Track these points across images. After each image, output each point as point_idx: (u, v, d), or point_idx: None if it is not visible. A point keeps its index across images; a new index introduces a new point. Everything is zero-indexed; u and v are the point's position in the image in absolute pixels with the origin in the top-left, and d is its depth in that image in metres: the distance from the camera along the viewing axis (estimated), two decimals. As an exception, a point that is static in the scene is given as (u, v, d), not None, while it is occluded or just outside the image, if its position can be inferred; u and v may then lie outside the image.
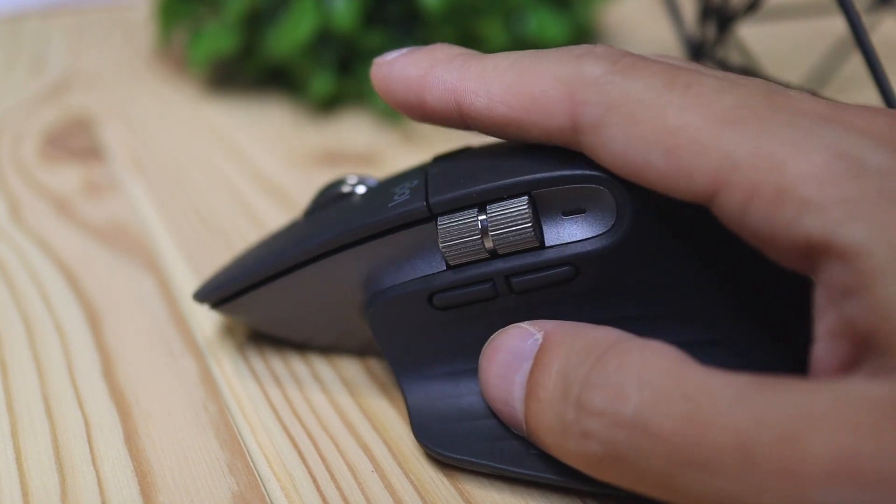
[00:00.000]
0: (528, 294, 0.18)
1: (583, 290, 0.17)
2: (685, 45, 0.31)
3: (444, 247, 0.18)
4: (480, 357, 0.18)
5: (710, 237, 0.17)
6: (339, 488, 0.18)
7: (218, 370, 0.22)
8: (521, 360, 0.17)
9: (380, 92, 0.19)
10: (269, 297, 0.20)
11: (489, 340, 0.18)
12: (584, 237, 0.17)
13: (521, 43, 0.35)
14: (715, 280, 0.17)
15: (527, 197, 0.17)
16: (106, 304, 0.24)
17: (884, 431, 0.12)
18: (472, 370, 0.19)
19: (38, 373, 0.21)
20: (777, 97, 0.15)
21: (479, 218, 0.17)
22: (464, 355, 0.19)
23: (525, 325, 0.18)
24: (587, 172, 0.17)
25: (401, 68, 0.18)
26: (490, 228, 0.17)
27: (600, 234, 0.17)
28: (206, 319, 0.23)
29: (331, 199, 0.21)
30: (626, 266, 0.17)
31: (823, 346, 0.14)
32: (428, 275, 0.18)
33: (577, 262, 0.17)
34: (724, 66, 0.29)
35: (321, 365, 0.22)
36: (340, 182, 0.21)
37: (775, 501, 0.13)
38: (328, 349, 0.22)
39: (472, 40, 0.34)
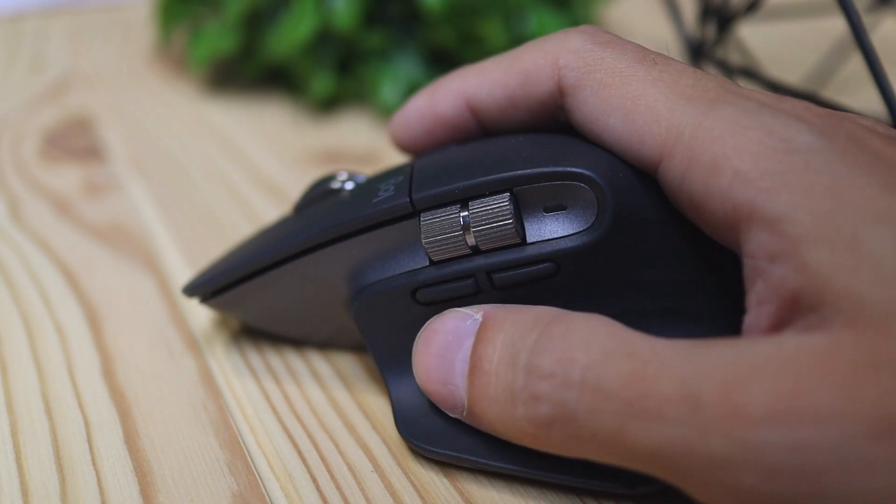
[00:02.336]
0: (510, 290, 0.18)
1: (564, 287, 0.18)
2: (685, 45, 0.31)
3: (426, 242, 0.18)
4: (415, 343, 0.18)
5: (691, 234, 0.17)
6: (339, 488, 0.18)
7: (218, 370, 0.22)
8: (462, 339, 0.17)
9: (398, 137, 0.21)
10: (258, 291, 0.21)
11: (424, 327, 0.18)
12: (565, 234, 0.17)
13: (520, 43, 0.35)
14: (698, 277, 0.18)
15: (508, 194, 0.17)
16: (106, 304, 0.24)
17: (822, 376, 0.13)
18: None
19: (38, 373, 0.21)
20: (728, 85, 0.17)
21: (462, 214, 0.17)
22: None
23: (460, 309, 0.18)
24: (568, 170, 0.17)
25: (410, 104, 0.21)
26: (472, 225, 0.17)
27: (581, 231, 0.17)
28: (206, 319, 0.23)
29: (320, 194, 0.21)
30: (607, 263, 0.17)
31: (754, 314, 0.15)
32: (411, 270, 0.19)
33: (557, 259, 0.17)
34: (724, 66, 0.29)
35: (320, 362, 0.22)
36: (330, 178, 0.21)
37: (721, 443, 0.13)
38: (325, 345, 0.22)
39: (472, 40, 0.34)
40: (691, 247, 0.17)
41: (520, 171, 0.17)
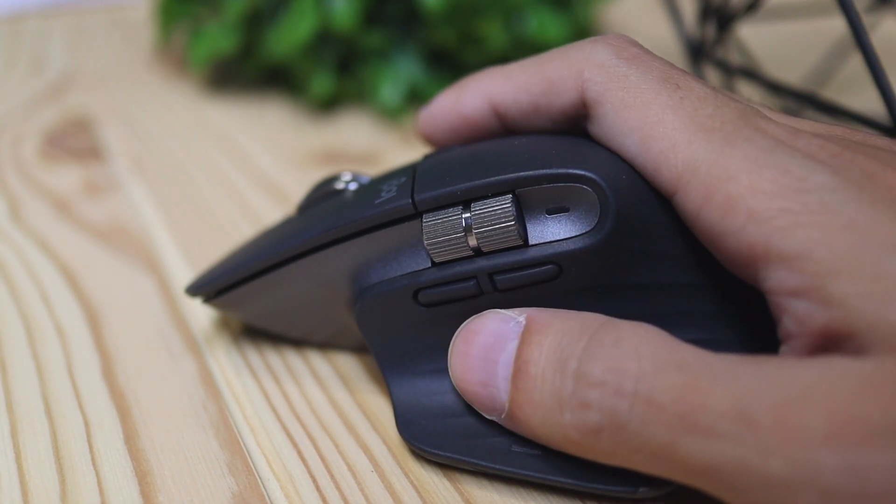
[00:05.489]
0: (512, 292, 0.18)
1: (567, 289, 0.17)
2: (685, 45, 0.31)
3: (428, 244, 0.18)
4: (453, 342, 0.18)
5: (695, 237, 0.17)
6: (339, 488, 0.18)
7: (218, 370, 0.22)
8: (505, 342, 0.17)
9: (424, 132, 0.21)
10: (260, 291, 0.21)
11: (462, 326, 0.18)
12: (568, 236, 0.17)
13: (521, 43, 0.35)
14: (701, 280, 0.17)
15: (511, 195, 0.17)
16: (106, 304, 0.24)
17: (873, 398, 0.13)
18: None
19: (38, 373, 0.21)
20: (749, 116, 0.16)
21: (464, 216, 0.17)
22: (447, 351, 0.19)
23: (501, 311, 0.17)
24: (571, 171, 0.17)
25: (437, 101, 0.21)
26: (474, 226, 0.17)
27: (583, 234, 0.17)
28: (206, 319, 0.23)
29: (323, 195, 0.21)
30: (610, 266, 0.17)
31: (788, 347, 0.15)
32: (413, 271, 0.18)
33: (560, 261, 0.17)
34: (724, 66, 0.29)
35: (320, 363, 0.22)
36: (334, 179, 0.21)
37: (781, 463, 0.13)
38: (326, 346, 0.22)
39: (472, 40, 0.34)
40: (696, 250, 0.17)
41: (522, 173, 0.17)
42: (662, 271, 0.17)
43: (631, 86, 0.17)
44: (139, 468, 0.19)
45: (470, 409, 0.19)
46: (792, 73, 0.36)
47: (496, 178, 0.17)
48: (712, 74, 0.33)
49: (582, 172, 0.17)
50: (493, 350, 0.17)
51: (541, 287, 0.18)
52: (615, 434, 0.15)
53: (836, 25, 0.37)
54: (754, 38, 0.37)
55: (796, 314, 0.14)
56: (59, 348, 0.22)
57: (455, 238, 0.17)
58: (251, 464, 0.19)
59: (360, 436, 0.19)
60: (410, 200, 0.18)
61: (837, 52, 0.35)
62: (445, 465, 0.19)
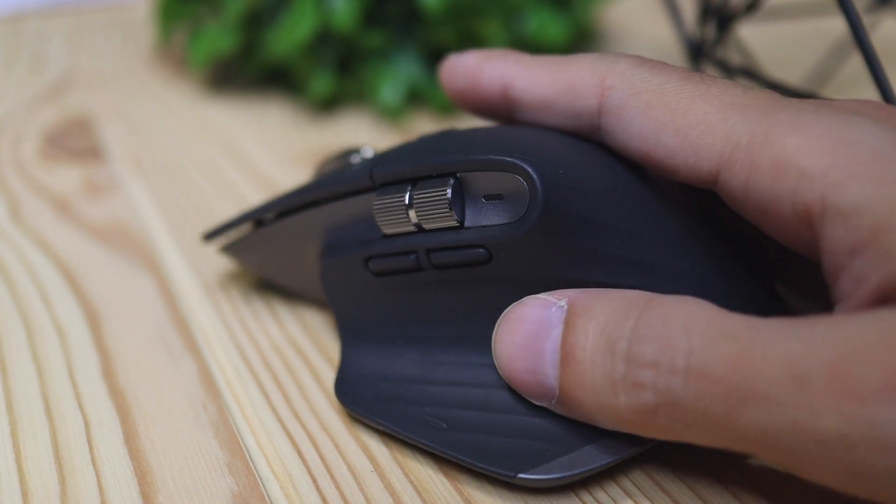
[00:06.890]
0: (448, 271, 0.18)
1: (499, 275, 0.18)
2: (685, 45, 0.31)
3: (377, 215, 0.19)
4: (496, 332, 0.18)
5: (633, 240, 0.17)
6: (338, 488, 0.18)
7: (217, 370, 0.22)
8: (549, 328, 0.17)
9: (443, 80, 0.21)
10: (259, 243, 0.23)
11: (504, 314, 0.18)
12: (499, 223, 0.18)
13: (521, 43, 0.35)
14: (646, 283, 0.18)
15: (452, 178, 0.18)
16: (106, 304, 0.24)
17: None
18: (400, 336, 0.20)
19: (38, 373, 0.21)
20: (777, 95, 0.16)
21: (409, 193, 0.18)
22: (394, 321, 0.20)
23: (542, 296, 0.17)
24: (503, 160, 0.17)
25: (462, 58, 0.21)
26: (415, 203, 0.18)
27: (511, 222, 0.17)
28: (206, 319, 0.23)
29: (338, 163, 0.23)
30: (540, 257, 0.17)
31: (842, 307, 0.15)
32: (366, 240, 0.20)
33: (489, 246, 0.18)
34: (724, 66, 0.29)
35: (321, 364, 0.22)
36: (354, 151, 0.23)
37: (835, 421, 0.13)
38: (320, 303, 0.23)
39: (472, 40, 0.34)
40: (632, 252, 0.17)
41: (460, 157, 0.18)
42: (603, 271, 0.17)
43: (655, 88, 0.17)
44: (139, 468, 0.19)
45: (396, 376, 0.19)
46: (792, 73, 0.36)
47: (438, 160, 0.18)
48: (712, 74, 0.33)
49: (513, 161, 0.17)
50: (538, 338, 0.17)
51: (475, 269, 0.18)
52: (671, 412, 0.15)
53: (836, 25, 0.37)
54: (754, 38, 0.37)
55: (854, 272, 0.14)
56: (59, 348, 0.22)
57: (399, 212, 0.18)
58: (251, 464, 0.19)
59: (360, 435, 0.19)
60: (369, 174, 0.19)
61: (837, 52, 0.35)
62: (445, 465, 0.19)
